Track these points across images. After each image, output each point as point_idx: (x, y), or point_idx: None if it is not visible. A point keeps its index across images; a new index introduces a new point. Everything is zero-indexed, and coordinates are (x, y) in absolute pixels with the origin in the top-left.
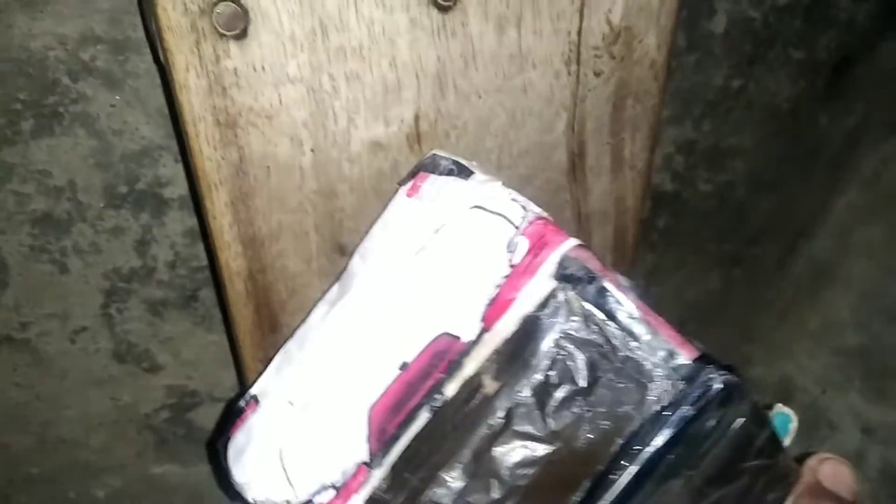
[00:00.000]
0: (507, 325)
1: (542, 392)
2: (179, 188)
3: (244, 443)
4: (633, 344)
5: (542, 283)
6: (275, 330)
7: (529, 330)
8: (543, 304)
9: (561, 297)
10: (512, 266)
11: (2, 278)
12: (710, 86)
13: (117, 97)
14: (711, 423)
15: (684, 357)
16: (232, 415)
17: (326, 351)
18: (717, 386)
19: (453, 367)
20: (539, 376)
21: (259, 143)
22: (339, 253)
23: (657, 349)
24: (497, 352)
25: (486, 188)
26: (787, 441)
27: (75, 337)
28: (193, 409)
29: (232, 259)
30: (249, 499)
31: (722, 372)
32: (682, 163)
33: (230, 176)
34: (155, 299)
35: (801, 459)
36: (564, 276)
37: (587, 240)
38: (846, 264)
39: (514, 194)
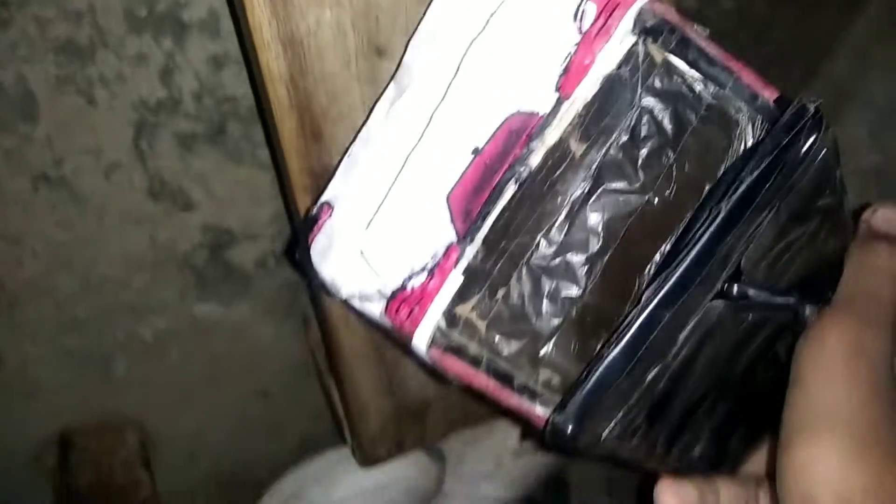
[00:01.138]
0: (586, 90)
1: (630, 147)
2: (198, 10)
3: (326, 245)
4: (718, 90)
5: (620, 40)
6: (317, 139)
7: (611, 89)
8: (624, 62)
9: (641, 51)
10: (582, 32)
11: (32, 112)
12: None
13: None
14: (802, 151)
15: (768, 97)
16: (307, 223)
17: (393, 146)
18: (807, 113)
19: (534, 138)
20: (625, 132)
21: None
22: (377, 55)
23: (741, 93)
24: (580, 115)
25: None
26: None
27: (109, 173)
28: (230, 247)
29: (272, 60)
30: (343, 295)
31: (807, 104)
32: None
33: None
34: (184, 133)
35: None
36: (644, 30)
37: None
38: (865, 83)
39: None
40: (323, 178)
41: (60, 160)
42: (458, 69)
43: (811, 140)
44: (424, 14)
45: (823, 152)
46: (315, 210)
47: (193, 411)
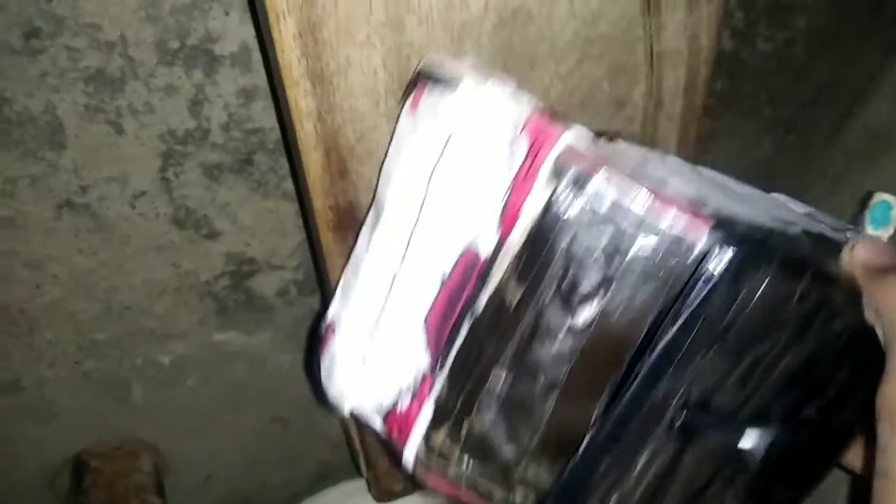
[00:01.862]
0: (520, 232)
1: (567, 290)
2: (230, 44)
3: (330, 365)
4: (642, 233)
5: (542, 186)
6: (343, 176)
7: (542, 233)
8: (548, 207)
9: (564, 196)
10: (516, 170)
11: (59, 140)
12: None
13: None
14: (730, 295)
15: (694, 235)
16: (316, 341)
17: (377, 274)
18: (728, 260)
19: (482, 277)
20: (559, 276)
21: None
22: None
23: (667, 233)
24: (517, 258)
25: (479, 92)
26: (891, 228)
27: (135, 202)
28: (252, 277)
29: (300, 97)
30: (346, 411)
31: (733, 245)
32: (742, 19)
33: (298, 4)
34: (211, 163)
35: None
36: (561, 175)
37: (658, 82)
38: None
39: (509, 88)
40: (348, 214)
41: (86, 187)
42: (424, 197)
43: (738, 284)
44: (388, 145)
45: (764, 283)
46: (323, 329)
47: (209, 437)
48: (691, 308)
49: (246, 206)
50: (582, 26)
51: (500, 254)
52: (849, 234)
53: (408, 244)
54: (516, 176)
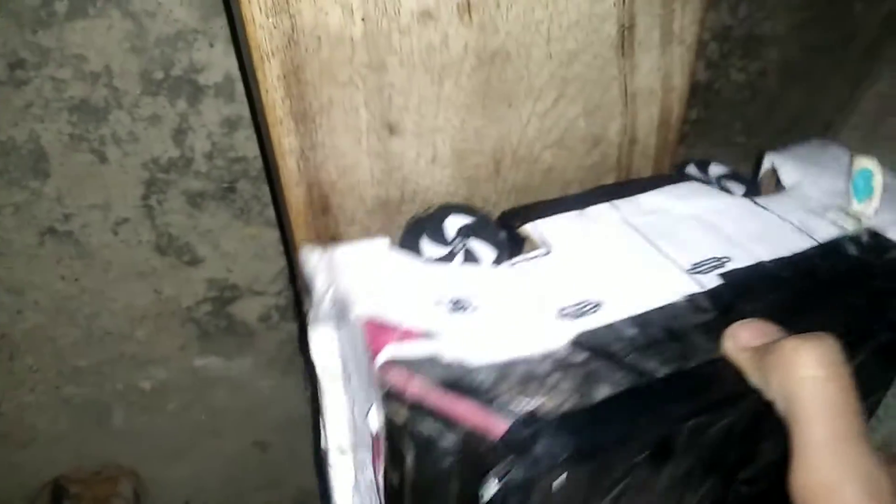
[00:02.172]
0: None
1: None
2: (215, 75)
3: None
4: (441, 441)
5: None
6: (325, 210)
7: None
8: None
9: (390, 408)
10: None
11: (43, 168)
12: None
13: None
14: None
15: (485, 444)
16: None
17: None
18: (514, 473)
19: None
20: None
21: (310, 11)
22: (388, 131)
23: (458, 443)
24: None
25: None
26: (875, 199)
27: (117, 228)
28: (234, 303)
29: (284, 136)
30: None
31: (519, 460)
32: (716, 50)
33: (282, 46)
34: (193, 191)
35: None
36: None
37: (633, 119)
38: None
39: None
40: (330, 248)
41: (69, 215)
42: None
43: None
44: None
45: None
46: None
47: (189, 461)
48: None
49: (228, 232)
50: (558, 67)
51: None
52: (830, 215)
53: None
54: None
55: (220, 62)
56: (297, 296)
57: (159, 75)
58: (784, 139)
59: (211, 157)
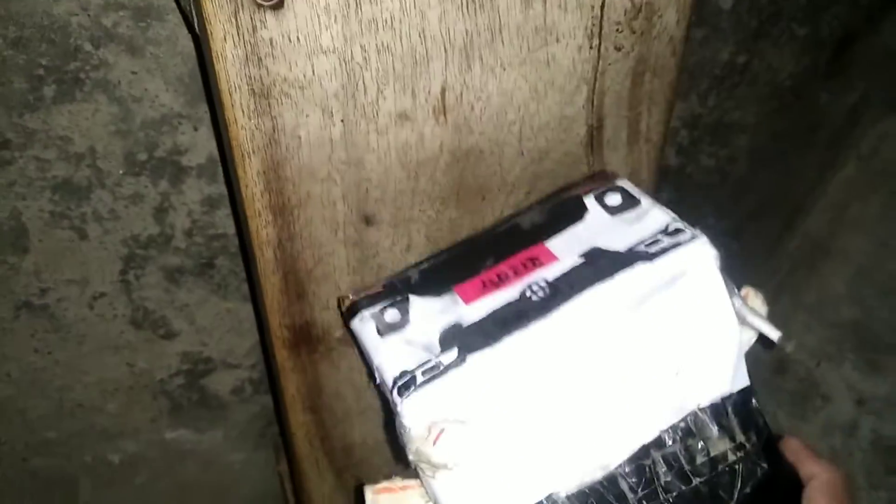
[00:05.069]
0: None
1: None
2: (198, 156)
3: None
4: None
5: None
6: (301, 297)
7: None
8: None
9: None
10: None
11: (22, 244)
12: (717, 61)
13: (138, 65)
14: None
15: None
16: None
17: None
18: None
19: None
20: None
21: (291, 114)
22: (364, 223)
23: None
24: None
25: None
26: None
27: (94, 303)
28: (207, 375)
29: (262, 227)
30: None
31: None
32: (686, 137)
33: (263, 146)
34: (172, 266)
35: None
36: None
37: None
38: (842, 239)
39: None
40: (303, 332)
41: (46, 289)
42: None
43: None
44: None
45: None
46: None
47: None
48: None
49: (205, 307)
50: (530, 163)
51: None
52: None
53: None
54: None
55: (203, 144)
56: (269, 369)
57: (143, 156)
58: (754, 222)
59: (191, 234)
